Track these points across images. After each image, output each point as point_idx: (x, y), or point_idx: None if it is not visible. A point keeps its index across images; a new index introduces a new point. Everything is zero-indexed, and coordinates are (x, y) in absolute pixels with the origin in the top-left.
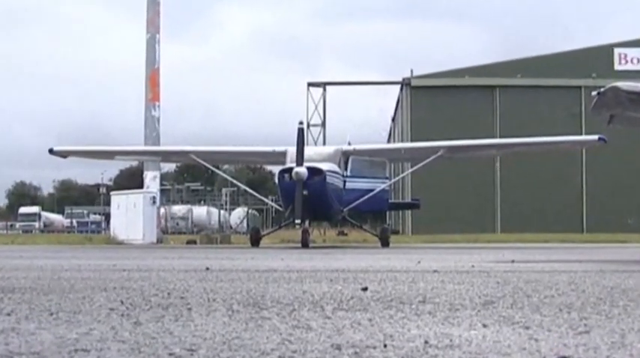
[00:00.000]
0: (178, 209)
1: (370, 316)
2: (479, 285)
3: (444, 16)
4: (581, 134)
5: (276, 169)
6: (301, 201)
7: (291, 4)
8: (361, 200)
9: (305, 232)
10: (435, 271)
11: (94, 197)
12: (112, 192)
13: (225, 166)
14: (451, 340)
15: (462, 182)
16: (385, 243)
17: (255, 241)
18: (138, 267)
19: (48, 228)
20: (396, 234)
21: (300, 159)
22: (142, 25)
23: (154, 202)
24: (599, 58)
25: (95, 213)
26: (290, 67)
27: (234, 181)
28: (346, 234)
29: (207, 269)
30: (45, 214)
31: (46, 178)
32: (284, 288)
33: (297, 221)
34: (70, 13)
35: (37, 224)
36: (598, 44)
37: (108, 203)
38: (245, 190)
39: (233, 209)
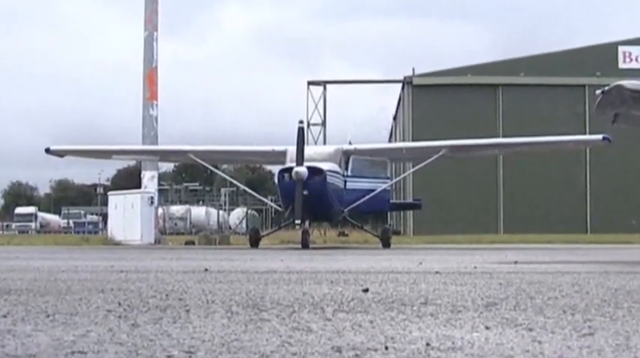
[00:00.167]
0: (177, 209)
1: (371, 318)
2: (481, 287)
3: (446, 14)
4: (585, 133)
5: (275, 169)
6: (301, 201)
7: (291, 1)
8: (362, 200)
9: (305, 233)
10: (436, 272)
11: (91, 197)
12: (109, 192)
13: (225, 166)
14: (453, 342)
15: (464, 182)
16: (386, 244)
17: (255, 242)
18: (135, 268)
19: (44, 228)
20: (397, 234)
21: (300, 158)
22: (140, 22)
23: (152, 202)
24: (603, 57)
25: (92, 214)
26: (290, 66)
27: (234, 181)
28: (347, 235)
29: (206, 270)
30: (41, 214)
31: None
32: (284, 290)
33: (297, 221)
34: (67, 12)
35: (33, 224)
36: (602, 42)
37: (105, 203)
38: (244, 190)
39: (232, 209)
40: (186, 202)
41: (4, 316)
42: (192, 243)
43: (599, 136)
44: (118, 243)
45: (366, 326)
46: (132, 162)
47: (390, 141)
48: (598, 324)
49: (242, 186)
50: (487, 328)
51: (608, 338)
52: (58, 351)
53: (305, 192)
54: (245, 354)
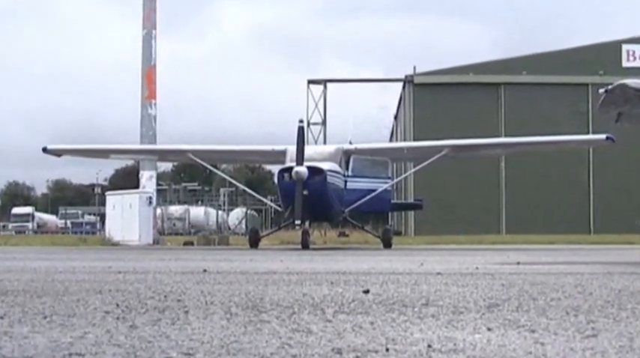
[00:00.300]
0: (175, 209)
1: (372, 319)
2: (483, 288)
3: (447, 12)
4: (587, 132)
5: (275, 169)
6: (301, 202)
7: (292, 0)
8: (363, 200)
9: (305, 233)
10: (438, 273)
11: (88, 197)
12: (107, 192)
13: (224, 166)
14: (455, 344)
15: (466, 182)
16: (387, 245)
17: (254, 242)
18: (134, 268)
19: (41, 228)
20: (398, 235)
21: (300, 158)
22: (138, 21)
23: (151, 202)
24: (606, 55)
25: (90, 214)
26: (290, 65)
27: (233, 181)
28: (347, 235)
29: (205, 271)
30: (38, 215)
31: (40, 178)
32: (284, 291)
33: (297, 221)
34: (65, 10)
35: (30, 225)
36: (605, 41)
37: (103, 203)
38: (244, 190)
39: (231, 209)
40: (184, 202)
41: (1, 317)
42: (191, 243)
43: (603, 136)
44: (115, 244)
45: (366, 328)
46: (130, 162)
47: (390, 140)
48: (601, 326)
49: (241, 186)
50: (489, 329)
51: (612, 340)
52: (55, 353)
53: (305, 192)
54: (244, 356)
